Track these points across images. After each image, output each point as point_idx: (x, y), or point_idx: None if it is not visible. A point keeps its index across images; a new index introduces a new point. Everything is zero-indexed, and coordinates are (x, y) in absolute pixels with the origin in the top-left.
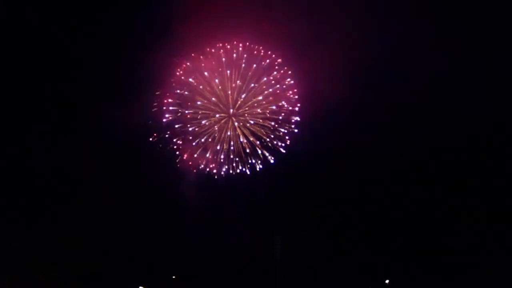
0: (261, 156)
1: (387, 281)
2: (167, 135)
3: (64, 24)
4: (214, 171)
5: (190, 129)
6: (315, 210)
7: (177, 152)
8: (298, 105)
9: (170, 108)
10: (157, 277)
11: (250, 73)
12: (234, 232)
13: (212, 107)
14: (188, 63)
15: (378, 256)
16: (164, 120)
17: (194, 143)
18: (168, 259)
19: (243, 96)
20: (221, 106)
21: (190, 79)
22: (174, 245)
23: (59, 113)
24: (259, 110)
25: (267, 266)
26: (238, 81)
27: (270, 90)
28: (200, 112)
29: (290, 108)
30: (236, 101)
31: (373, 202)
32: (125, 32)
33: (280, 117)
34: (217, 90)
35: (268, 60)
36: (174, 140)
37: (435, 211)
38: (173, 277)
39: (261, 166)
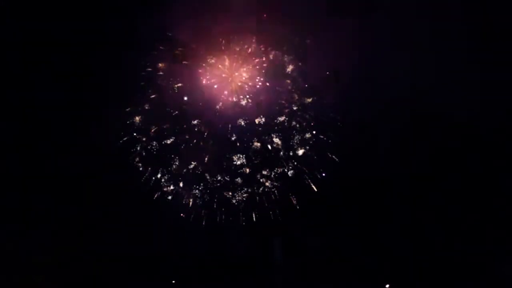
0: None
1: (387, 286)
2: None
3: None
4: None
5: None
6: (316, 211)
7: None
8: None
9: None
10: (156, 282)
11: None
12: (231, 235)
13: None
14: None
15: (380, 260)
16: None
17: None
18: (166, 264)
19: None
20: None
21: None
22: (172, 249)
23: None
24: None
25: (266, 271)
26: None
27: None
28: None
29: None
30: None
31: (376, 205)
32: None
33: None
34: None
35: None
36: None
37: (439, 215)
38: (173, 281)
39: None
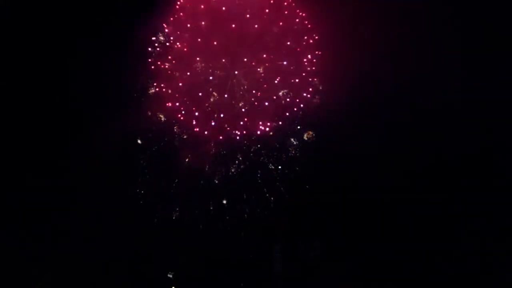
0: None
1: None
2: None
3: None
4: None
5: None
6: (317, 216)
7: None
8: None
9: None
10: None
11: None
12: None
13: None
14: None
15: (380, 267)
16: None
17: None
18: (164, 271)
19: None
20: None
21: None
22: (170, 252)
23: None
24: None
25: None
26: None
27: None
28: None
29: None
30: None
31: (377, 211)
32: None
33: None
34: None
35: None
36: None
37: (441, 222)
38: (173, 287)
39: None
